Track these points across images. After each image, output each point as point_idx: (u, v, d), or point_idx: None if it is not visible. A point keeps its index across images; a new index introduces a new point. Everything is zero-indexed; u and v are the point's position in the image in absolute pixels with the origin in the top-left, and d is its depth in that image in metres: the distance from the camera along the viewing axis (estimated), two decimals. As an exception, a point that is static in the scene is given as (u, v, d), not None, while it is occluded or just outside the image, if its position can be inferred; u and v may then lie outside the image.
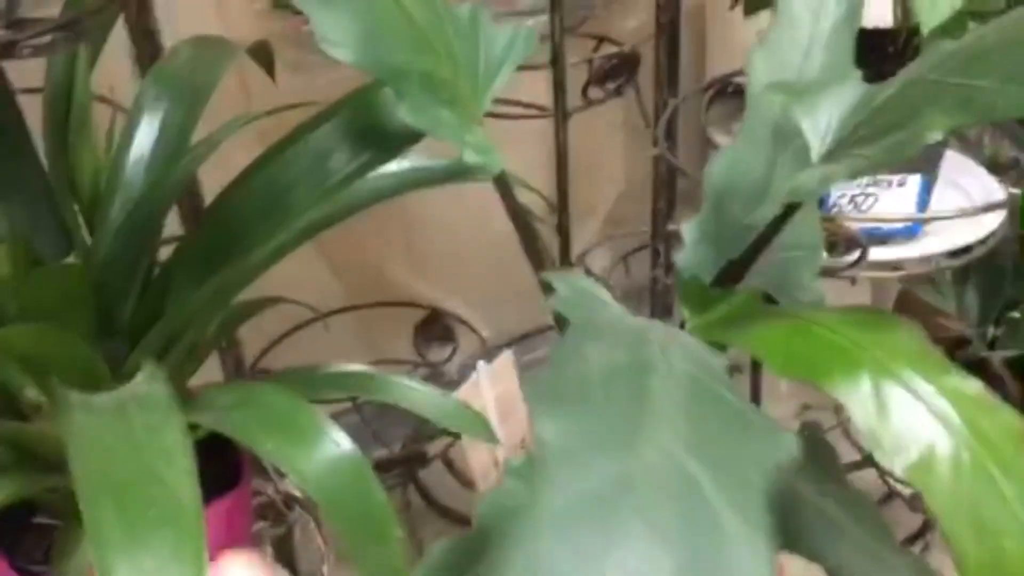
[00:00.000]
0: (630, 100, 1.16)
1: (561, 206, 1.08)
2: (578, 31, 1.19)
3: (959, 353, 1.07)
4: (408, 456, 1.24)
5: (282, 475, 1.02)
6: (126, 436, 0.47)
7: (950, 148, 0.89)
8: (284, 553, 1.03)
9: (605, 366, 0.39)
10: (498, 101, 1.11)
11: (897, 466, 0.41)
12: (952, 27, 0.63)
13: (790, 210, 0.54)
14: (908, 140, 0.45)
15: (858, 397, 0.42)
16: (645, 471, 0.33)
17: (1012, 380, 1.01)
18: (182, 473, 0.45)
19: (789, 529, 0.59)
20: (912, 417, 0.42)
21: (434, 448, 1.29)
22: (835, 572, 0.56)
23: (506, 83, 0.57)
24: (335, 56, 0.47)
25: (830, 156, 0.51)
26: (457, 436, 1.26)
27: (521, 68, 1.10)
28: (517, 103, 1.13)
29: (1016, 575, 0.42)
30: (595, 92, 1.07)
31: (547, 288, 0.51)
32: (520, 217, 0.58)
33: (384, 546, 0.57)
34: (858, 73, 0.59)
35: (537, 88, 1.10)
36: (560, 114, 1.02)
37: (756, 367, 1.13)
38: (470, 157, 0.49)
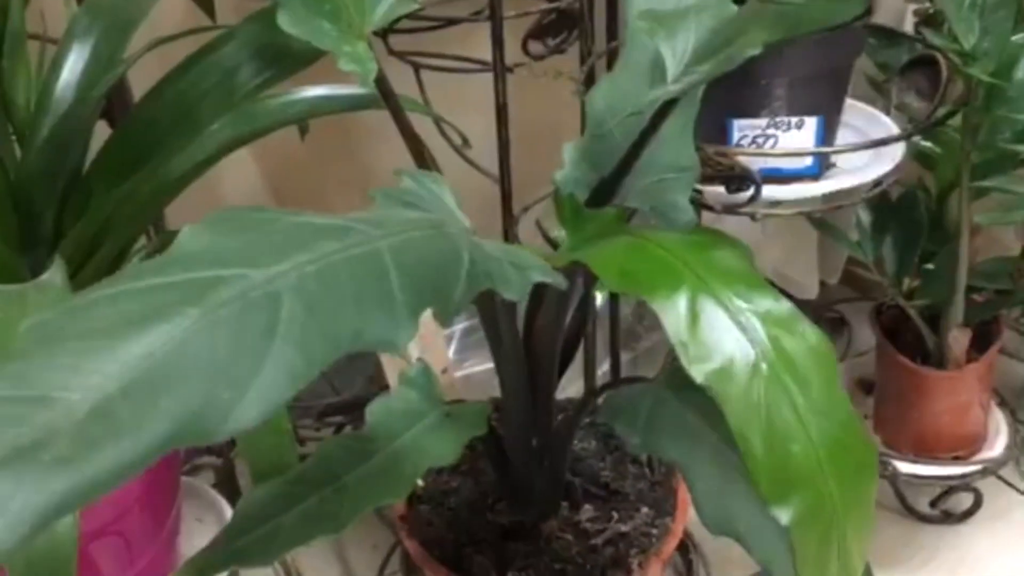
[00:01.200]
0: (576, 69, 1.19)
1: (502, 160, 1.12)
2: (528, -9, 1.22)
3: (883, 305, 1.11)
4: (356, 401, 1.28)
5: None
6: (20, 312, 0.51)
7: (860, 101, 0.92)
8: (226, 485, 1.07)
9: (303, 221, 0.40)
10: (447, 57, 1.16)
11: (698, 373, 0.45)
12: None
13: (654, 125, 0.58)
14: (734, 54, 0.48)
15: (674, 309, 0.46)
16: (237, 284, 0.35)
17: (929, 329, 1.05)
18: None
19: (648, 430, 0.63)
20: (719, 329, 0.46)
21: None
22: (685, 472, 0.60)
23: (395, 13, 0.60)
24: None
25: (679, 77, 0.55)
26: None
27: (461, 21, 1.13)
28: (466, 59, 1.16)
29: (800, 477, 0.46)
30: (537, 48, 1.10)
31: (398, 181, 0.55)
32: (408, 132, 0.62)
33: (274, 436, 0.61)
34: (731, 6, 0.63)
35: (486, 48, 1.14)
36: (499, 68, 1.05)
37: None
38: (345, 65, 0.53)
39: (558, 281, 0.49)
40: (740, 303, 0.48)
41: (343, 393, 1.34)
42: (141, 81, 0.85)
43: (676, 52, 0.56)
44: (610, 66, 1.12)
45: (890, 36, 1.00)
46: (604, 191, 0.62)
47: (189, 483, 0.95)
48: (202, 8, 0.85)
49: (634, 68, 0.64)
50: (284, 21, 0.52)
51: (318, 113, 0.71)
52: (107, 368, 0.33)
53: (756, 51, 0.47)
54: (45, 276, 0.57)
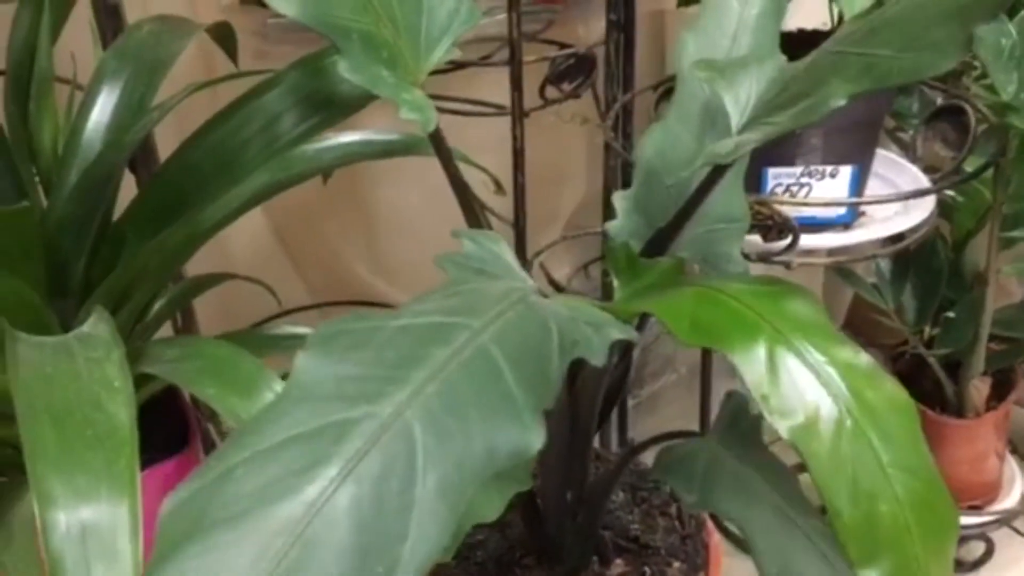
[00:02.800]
0: (593, 110, 1.20)
1: (517, 203, 1.11)
2: (541, 36, 1.22)
3: (899, 352, 1.10)
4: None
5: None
6: (68, 367, 0.49)
7: (886, 150, 0.93)
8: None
9: (406, 325, 0.40)
10: (462, 101, 1.15)
11: (782, 427, 0.43)
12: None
13: (714, 177, 0.57)
14: (814, 106, 0.48)
15: (753, 362, 0.45)
16: (369, 427, 0.35)
17: (948, 377, 1.05)
18: (121, 401, 0.47)
19: (706, 489, 0.61)
20: (801, 383, 0.45)
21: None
22: (746, 531, 0.59)
23: (447, 56, 0.59)
24: (280, 9, 0.50)
25: (747, 125, 0.54)
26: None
27: (481, 66, 1.13)
28: (478, 102, 1.15)
29: (888, 537, 0.44)
30: (553, 93, 1.10)
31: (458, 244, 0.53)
32: (460, 186, 0.61)
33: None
34: (782, 56, 0.62)
35: (504, 93, 1.13)
36: (517, 112, 1.05)
37: (706, 368, 1.16)
38: (406, 114, 0.52)
39: (633, 337, 0.48)
40: (819, 355, 0.47)
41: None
42: (162, 128, 0.84)
43: (739, 102, 0.55)
44: (627, 112, 1.12)
45: (903, 86, 1.00)
46: (659, 242, 0.61)
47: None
48: (225, 51, 0.84)
49: (685, 116, 0.63)
50: (345, 68, 0.51)
51: (354, 159, 0.70)
52: (259, 559, 0.32)
53: (841, 102, 0.46)
54: (88, 327, 0.55)
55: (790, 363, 0.46)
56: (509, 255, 0.53)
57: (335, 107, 0.61)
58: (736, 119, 0.55)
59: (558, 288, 1.33)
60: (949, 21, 0.44)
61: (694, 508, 0.71)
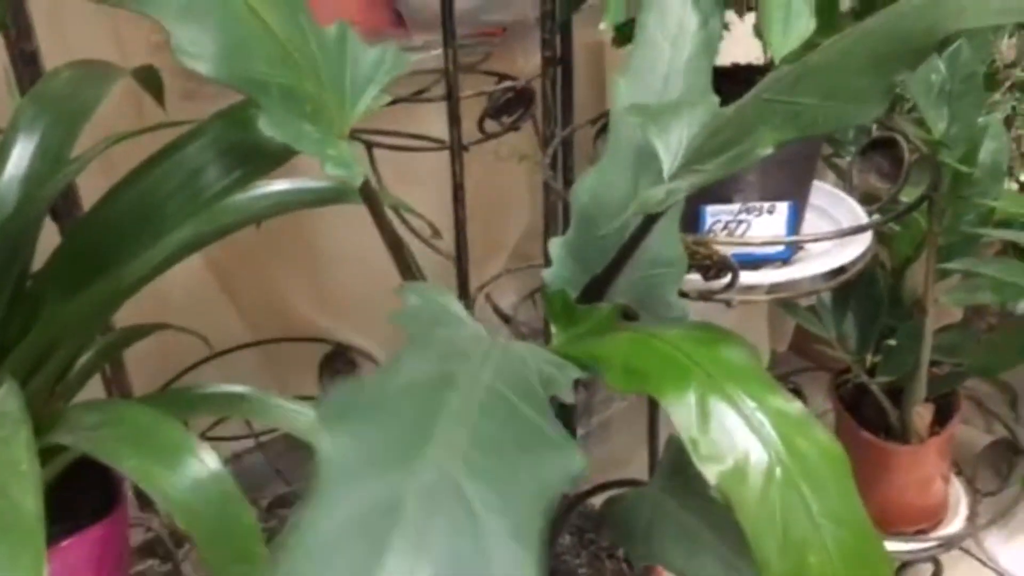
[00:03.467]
0: (532, 139, 1.19)
1: (459, 239, 1.10)
2: (479, 68, 1.21)
3: (842, 380, 1.11)
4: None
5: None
6: (-27, 447, 0.46)
7: (822, 179, 0.93)
8: (173, 591, 1.01)
9: (409, 381, 0.39)
10: (402, 135, 1.14)
11: (711, 473, 0.43)
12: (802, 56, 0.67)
13: (647, 224, 0.56)
14: (742, 154, 0.47)
15: (684, 407, 0.44)
16: (417, 492, 0.33)
17: (891, 404, 1.05)
18: (26, 486, 0.44)
19: (650, 539, 0.60)
20: (731, 429, 0.44)
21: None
22: (689, 579, 0.58)
23: (376, 106, 0.58)
24: (193, 68, 0.48)
25: (678, 172, 0.53)
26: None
27: (418, 101, 1.12)
28: (417, 136, 1.14)
29: (816, 587, 0.44)
30: (493, 126, 1.09)
31: (402, 299, 0.52)
32: (391, 238, 0.59)
33: (249, 565, 0.57)
34: (715, 98, 0.62)
35: (443, 125, 1.12)
36: (456, 146, 1.04)
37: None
38: (331, 170, 0.50)
39: (586, 377, 0.47)
40: (750, 402, 0.47)
41: (293, 483, 1.28)
42: (86, 173, 0.81)
43: (671, 147, 0.54)
44: (567, 146, 1.11)
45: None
46: (595, 288, 0.60)
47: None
48: (152, 95, 0.81)
49: (620, 161, 0.62)
50: (265, 125, 0.49)
51: (284, 210, 0.68)
52: None
53: (768, 151, 0.46)
54: (-4, 401, 0.52)
55: (721, 409, 0.45)
56: (457, 306, 0.52)
57: (261, 158, 0.59)
58: (668, 165, 0.54)
59: (505, 318, 1.32)
60: (871, 71, 0.44)
61: (640, 561, 0.70)
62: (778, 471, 0.44)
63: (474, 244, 1.14)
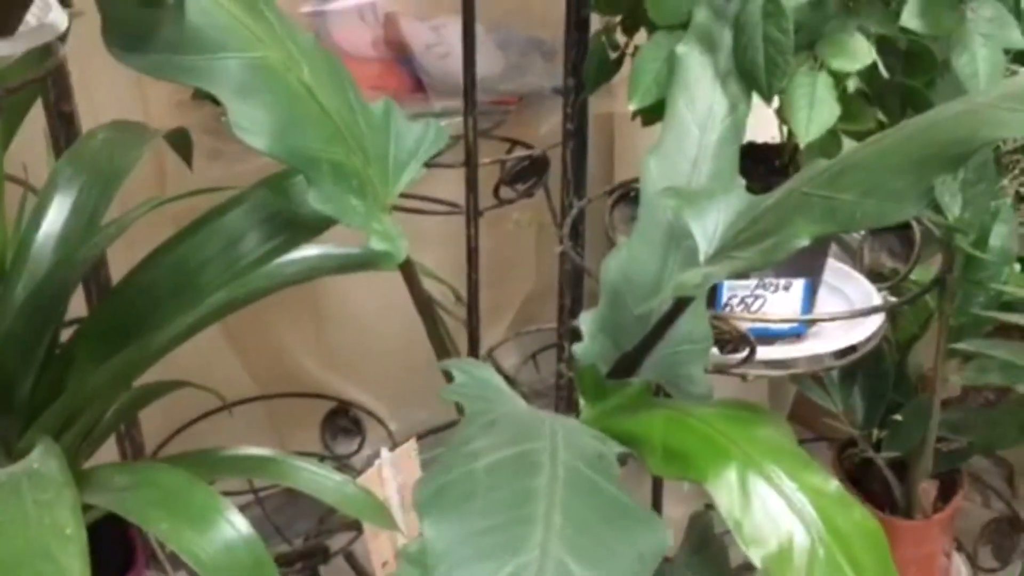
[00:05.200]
0: (542, 203, 1.21)
1: (471, 302, 1.11)
2: (493, 133, 1.23)
3: (847, 454, 1.11)
4: (310, 551, 1.21)
5: (177, 566, 1.00)
6: (18, 513, 0.47)
7: (834, 258, 0.95)
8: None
9: (492, 464, 0.40)
10: (414, 197, 1.15)
11: (755, 556, 0.44)
12: (827, 144, 0.69)
13: (680, 305, 0.58)
14: (779, 245, 0.49)
15: (725, 488, 0.45)
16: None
17: (896, 479, 1.06)
18: (73, 551, 0.45)
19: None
20: (773, 510, 0.45)
21: (336, 543, 1.27)
22: (716, 662, 0.58)
23: (418, 178, 0.60)
24: (250, 144, 0.49)
25: (715, 257, 0.54)
26: (359, 531, 1.25)
27: (436, 166, 1.14)
28: (432, 200, 1.16)
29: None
30: (506, 192, 1.11)
31: (447, 377, 0.53)
32: (424, 305, 0.61)
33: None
34: (742, 182, 0.64)
35: (452, 188, 1.14)
36: (472, 211, 1.05)
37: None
38: (377, 244, 0.52)
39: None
40: (789, 481, 0.48)
41: (294, 541, 1.27)
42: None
43: (707, 232, 0.56)
44: (580, 216, 1.13)
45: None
46: (626, 364, 0.61)
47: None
48: (182, 158, 0.83)
49: (650, 239, 0.64)
50: (315, 199, 0.51)
51: (312, 275, 0.69)
52: None
53: (804, 243, 0.47)
54: (37, 462, 0.52)
55: (762, 489, 0.46)
56: (498, 380, 0.53)
57: (299, 228, 0.60)
58: (704, 248, 0.55)
59: (509, 381, 1.33)
60: (910, 172, 0.46)
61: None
62: (821, 551, 0.44)
63: (481, 305, 1.15)
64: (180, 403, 1.15)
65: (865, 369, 1.05)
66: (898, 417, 1.04)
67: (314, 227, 0.60)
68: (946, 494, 1.08)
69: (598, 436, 0.48)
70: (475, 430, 0.43)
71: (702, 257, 0.55)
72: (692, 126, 0.66)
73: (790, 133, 0.84)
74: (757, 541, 0.45)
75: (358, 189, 0.53)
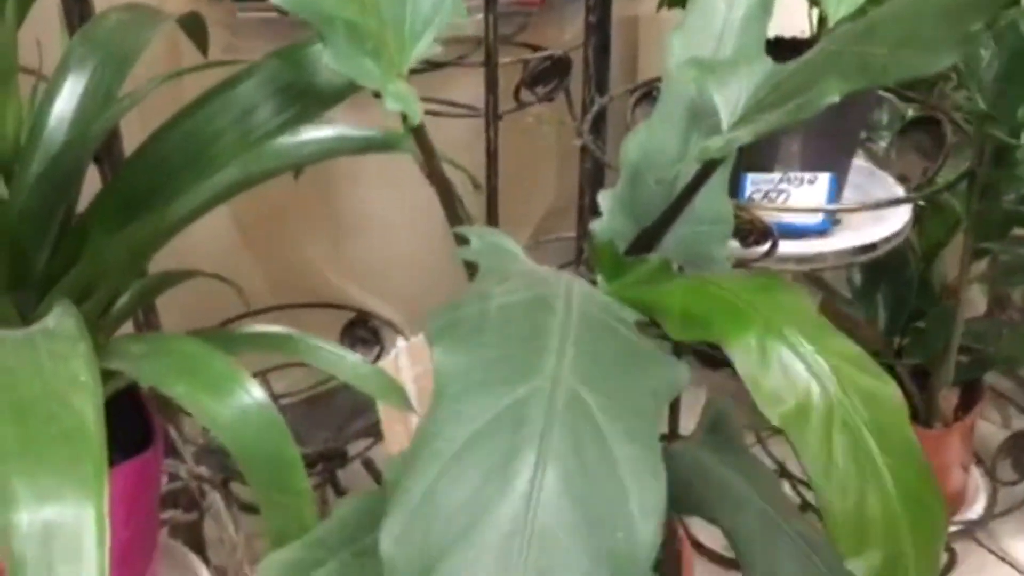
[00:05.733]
0: (564, 109, 1.19)
1: (490, 205, 1.10)
2: (515, 39, 1.21)
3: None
4: (329, 453, 1.23)
5: (196, 456, 1.01)
6: (32, 362, 0.47)
7: (862, 160, 0.93)
8: (195, 541, 1.01)
9: (505, 304, 0.40)
10: (433, 101, 1.14)
11: (773, 414, 0.43)
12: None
13: (702, 176, 0.56)
14: (808, 102, 0.47)
15: (744, 349, 0.44)
16: (540, 401, 0.35)
17: (916, 388, 1.05)
18: (87, 396, 0.45)
19: (691, 495, 0.60)
20: (792, 370, 0.44)
21: (354, 449, 1.28)
22: (731, 534, 0.58)
23: (431, 47, 0.58)
24: (266, -4, 0.48)
25: (739, 124, 0.53)
26: (377, 438, 1.26)
27: (456, 65, 1.12)
28: (452, 103, 1.14)
29: (877, 528, 0.44)
30: (528, 97, 1.09)
31: (460, 241, 0.52)
32: (440, 178, 0.60)
33: (292, 497, 0.57)
34: (767, 57, 0.62)
35: (473, 93, 1.12)
36: (492, 114, 1.03)
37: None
38: (392, 104, 0.51)
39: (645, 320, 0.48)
40: (809, 345, 0.47)
41: (308, 445, 1.28)
42: (125, 121, 0.81)
43: (729, 101, 0.54)
44: (601, 116, 1.11)
45: (877, 97, 1.01)
46: (644, 242, 0.60)
47: (162, 542, 0.89)
48: (195, 43, 0.82)
49: (671, 118, 0.62)
50: (329, 58, 0.49)
51: (330, 155, 0.68)
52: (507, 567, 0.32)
53: (835, 99, 0.46)
54: (52, 321, 0.52)
55: (781, 352, 0.45)
56: (511, 244, 0.53)
57: (313, 99, 0.59)
58: (727, 118, 0.54)
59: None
60: (945, 20, 0.44)
61: (678, 512, 0.70)
62: (838, 411, 0.44)
63: (500, 218, 1.14)
64: (200, 310, 1.16)
65: (888, 277, 1.04)
66: (921, 325, 1.03)
67: (328, 98, 0.59)
68: (967, 405, 1.08)
69: (614, 301, 0.48)
70: (489, 283, 0.43)
71: (725, 126, 0.54)
72: (719, 1, 0.64)
73: (820, 24, 0.82)
74: (775, 400, 0.44)
75: (373, 51, 0.52)
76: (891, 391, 0.47)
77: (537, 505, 0.32)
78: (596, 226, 0.61)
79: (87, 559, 0.39)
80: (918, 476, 0.45)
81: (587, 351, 0.37)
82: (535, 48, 1.20)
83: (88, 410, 0.43)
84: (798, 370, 0.45)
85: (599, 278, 0.59)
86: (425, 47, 0.57)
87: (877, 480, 0.44)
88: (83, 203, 0.69)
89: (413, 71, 1.13)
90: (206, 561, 1.01)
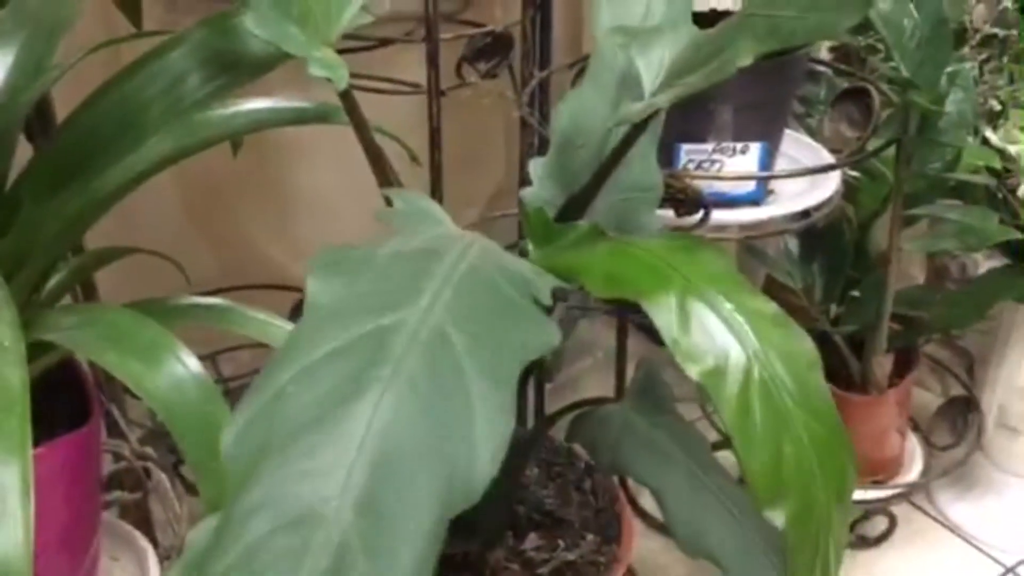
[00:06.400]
0: (510, 92, 1.20)
1: (434, 182, 1.10)
2: (458, 17, 1.21)
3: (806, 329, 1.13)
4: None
5: (145, 439, 1.01)
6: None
7: (794, 131, 0.95)
8: (142, 521, 1.01)
9: (396, 252, 0.41)
10: (375, 79, 1.14)
11: (693, 371, 0.44)
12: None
13: (627, 142, 0.57)
14: (722, 65, 0.48)
15: (665, 310, 0.46)
16: (405, 333, 0.36)
17: (852, 355, 1.08)
18: (11, 360, 0.45)
19: (619, 451, 0.62)
20: (711, 329, 0.46)
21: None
22: (658, 493, 0.59)
23: (361, 16, 0.58)
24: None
25: (659, 90, 0.54)
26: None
27: (397, 42, 1.12)
28: (394, 80, 1.14)
29: (792, 478, 0.46)
30: (470, 73, 1.10)
31: (388, 203, 0.53)
32: (371, 147, 0.60)
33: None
34: (693, 25, 0.63)
35: (415, 71, 1.13)
36: (433, 90, 1.04)
37: (621, 349, 1.17)
38: (316, 71, 0.51)
39: (564, 287, 0.48)
40: (728, 304, 0.48)
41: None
42: (61, 93, 0.80)
43: (652, 66, 0.55)
44: (543, 91, 1.12)
45: (810, 72, 1.03)
46: (574, 208, 0.61)
47: (107, 520, 0.89)
48: (128, 18, 0.81)
49: (601, 85, 0.63)
50: (252, 23, 0.50)
51: (263, 126, 0.68)
52: (344, 459, 0.32)
53: (747, 62, 0.47)
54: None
55: (700, 311, 0.47)
56: (438, 210, 0.53)
57: (243, 68, 0.59)
58: (649, 83, 0.55)
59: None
60: (852, -17, 0.45)
61: (607, 472, 0.72)
62: (756, 368, 0.45)
63: (446, 197, 1.15)
64: (144, 293, 1.15)
65: (824, 246, 1.06)
66: (855, 293, 1.05)
67: (256, 67, 0.60)
68: (902, 371, 1.11)
69: (532, 269, 0.48)
70: (400, 237, 0.44)
71: (647, 91, 0.55)
72: (645, -30, 0.65)
73: (750, -4, 0.83)
74: (694, 358, 0.45)
75: (298, 18, 0.53)
76: (806, 347, 0.49)
77: (383, 415, 0.33)
78: (527, 194, 0.62)
79: (11, 516, 0.39)
80: (831, 428, 0.47)
81: (465, 297, 0.38)
82: (477, 26, 1.20)
83: (11, 374, 0.44)
84: (718, 328, 0.46)
85: (530, 246, 0.60)
86: (354, 15, 0.57)
87: (792, 434, 0.45)
88: (14, 176, 0.69)
89: (358, 49, 1.13)
90: (154, 542, 1.01)
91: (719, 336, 0.46)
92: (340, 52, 1.07)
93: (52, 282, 0.72)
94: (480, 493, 0.33)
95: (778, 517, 0.45)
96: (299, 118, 0.69)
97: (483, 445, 0.34)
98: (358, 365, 0.34)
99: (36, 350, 0.58)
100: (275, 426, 0.33)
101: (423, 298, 0.37)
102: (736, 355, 0.46)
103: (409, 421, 0.33)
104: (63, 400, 0.73)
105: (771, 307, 0.49)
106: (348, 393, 0.33)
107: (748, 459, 0.45)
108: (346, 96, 0.54)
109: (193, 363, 0.57)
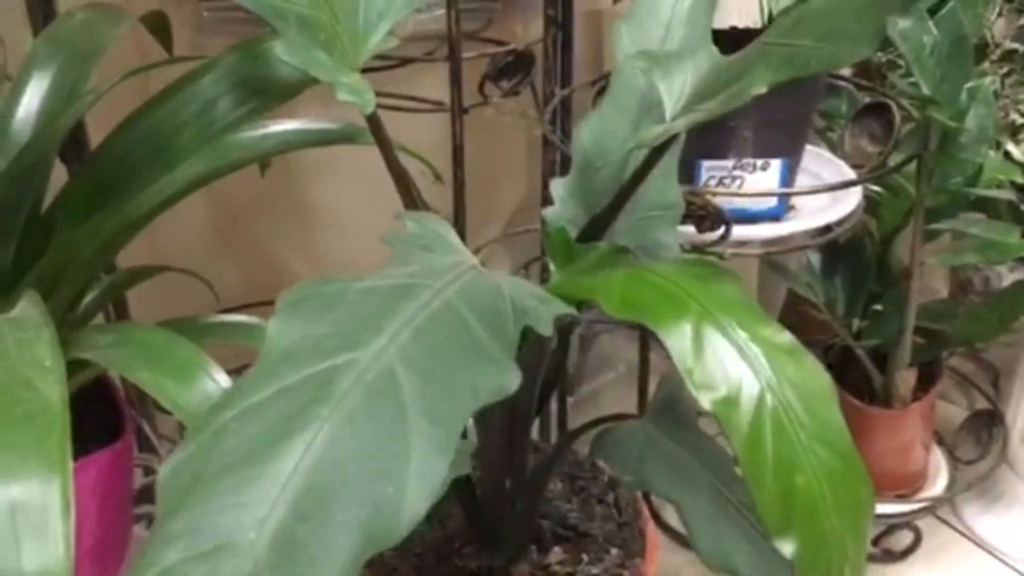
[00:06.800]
0: (532, 110, 1.21)
1: (457, 199, 1.11)
2: (479, 35, 1.23)
3: (829, 345, 1.13)
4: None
5: (167, 446, 1.02)
6: (-2, 350, 0.48)
7: (815, 146, 0.95)
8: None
9: (370, 287, 0.41)
10: (398, 97, 1.16)
11: (705, 400, 0.45)
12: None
13: (648, 164, 0.58)
14: (738, 93, 0.49)
15: (679, 336, 0.46)
16: (352, 374, 0.36)
17: (876, 369, 1.08)
18: (52, 380, 0.46)
19: (642, 467, 0.62)
20: (725, 358, 0.46)
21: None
22: (681, 508, 0.60)
23: (387, 40, 0.60)
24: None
25: (679, 114, 0.55)
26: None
27: (420, 61, 1.13)
28: (417, 99, 1.16)
29: (803, 509, 0.46)
30: (492, 91, 1.11)
31: (400, 224, 0.53)
32: (396, 167, 0.61)
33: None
34: (713, 48, 0.64)
35: (439, 89, 1.14)
36: (456, 108, 1.05)
37: (644, 363, 1.17)
38: (344, 96, 0.52)
39: (573, 314, 0.49)
40: (743, 333, 0.48)
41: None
42: (94, 118, 0.82)
43: (673, 91, 0.56)
44: (565, 108, 1.13)
45: (831, 86, 1.03)
46: (595, 228, 0.62)
47: (138, 534, 0.90)
48: (160, 42, 0.83)
49: (621, 106, 0.64)
50: (281, 49, 0.51)
51: (291, 148, 0.70)
52: (269, 494, 0.32)
53: (762, 90, 0.48)
54: (18, 311, 0.53)
55: (715, 339, 0.47)
56: (453, 236, 0.54)
57: (272, 92, 0.61)
58: (671, 108, 0.56)
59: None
60: (865, 14, 0.46)
61: (630, 488, 0.72)
62: (769, 398, 0.45)
63: (469, 213, 1.16)
64: (174, 310, 1.18)
65: (846, 261, 1.06)
66: (878, 307, 1.05)
67: (285, 91, 0.61)
68: (925, 385, 1.11)
69: (539, 296, 0.48)
70: (392, 266, 0.44)
71: (668, 115, 0.56)
72: (664, -8, 0.66)
73: (770, 15, 0.84)
74: (707, 386, 0.46)
75: (325, 44, 0.54)
76: (821, 378, 0.49)
77: (314, 452, 0.33)
78: (549, 213, 0.63)
79: (53, 534, 0.41)
80: (845, 459, 0.47)
81: (425, 338, 0.38)
82: (500, 44, 1.22)
83: (53, 392, 0.45)
84: (731, 357, 0.47)
85: (551, 266, 0.61)
86: (380, 40, 0.59)
87: (804, 465, 0.45)
88: (49, 199, 0.70)
89: (381, 68, 1.14)
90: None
91: (732, 365, 0.47)
92: (363, 71, 1.09)
93: (86, 301, 0.74)
94: (405, 532, 0.33)
95: (787, 547, 0.45)
96: (326, 139, 0.70)
97: (415, 485, 0.34)
98: (300, 404, 0.35)
99: (72, 368, 0.59)
100: (212, 460, 0.34)
101: (381, 338, 0.38)
102: (749, 385, 0.46)
103: (340, 459, 0.34)
104: (96, 416, 0.75)
105: (786, 337, 0.49)
106: (285, 430, 0.34)
107: (758, 489, 0.45)
108: (372, 119, 0.55)
109: (223, 379, 0.58)
